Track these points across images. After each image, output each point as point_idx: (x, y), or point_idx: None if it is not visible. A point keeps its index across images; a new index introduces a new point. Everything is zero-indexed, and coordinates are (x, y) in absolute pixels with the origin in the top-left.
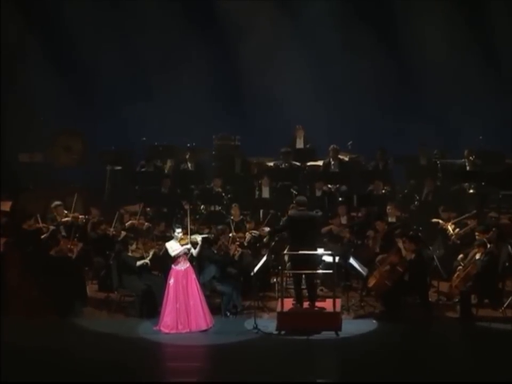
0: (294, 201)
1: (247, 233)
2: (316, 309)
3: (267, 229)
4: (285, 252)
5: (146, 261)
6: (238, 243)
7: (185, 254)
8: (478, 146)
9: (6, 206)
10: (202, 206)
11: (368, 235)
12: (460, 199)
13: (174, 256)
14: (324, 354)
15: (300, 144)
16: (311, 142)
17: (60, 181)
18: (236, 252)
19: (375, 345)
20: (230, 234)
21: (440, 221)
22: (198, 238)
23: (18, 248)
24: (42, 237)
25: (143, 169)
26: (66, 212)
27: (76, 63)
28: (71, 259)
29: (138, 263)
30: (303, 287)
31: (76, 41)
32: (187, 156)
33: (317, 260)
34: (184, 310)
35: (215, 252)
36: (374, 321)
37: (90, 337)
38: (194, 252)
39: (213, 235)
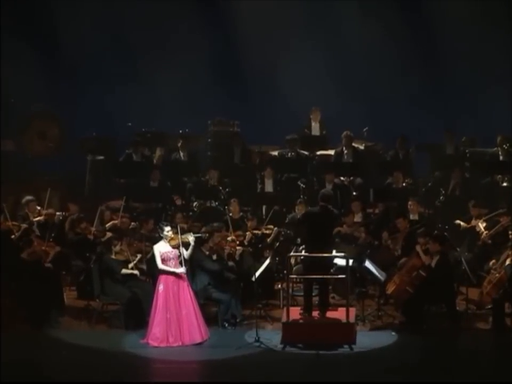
0: (305, 195)
1: (248, 232)
2: (327, 319)
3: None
4: (291, 253)
5: (135, 272)
6: (237, 242)
7: (177, 256)
8: None
9: None
10: (195, 203)
11: (385, 236)
12: (492, 193)
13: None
14: (336, 372)
15: (315, 129)
16: (327, 128)
17: (33, 173)
18: (235, 251)
19: (394, 361)
20: (229, 238)
21: (462, 223)
22: (190, 237)
23: None
24: (13, 237)
25: (128, 159)
26: (39, 208)
27: (52, 38)
28: (46, 262)
29: (124, 271)
30: (313, 294)
31: (52, 14)
32: (179, 144)
33: (331, 263)
34: (176, 320)
35: (207, 252)
36: (393, 333)
37: (68, 352)
38: (185, 253)
39: (207, 234)
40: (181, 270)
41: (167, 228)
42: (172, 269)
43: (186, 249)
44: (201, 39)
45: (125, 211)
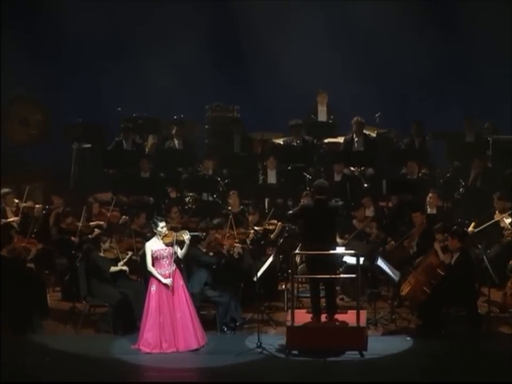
0: (312, 187)
1: (250, 229)
2: (335, 322)
3: None
4: (296, 251)
5: (124, 268)
6: (237, 240)
7: (171, 255)
8: None
9: None
10: (188, 198)
11: (389, 247)
12: None
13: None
14: (345, 380)
15: (322, 113)
16: (335, 113)
17: (13, 162)
18: (234, 248)
19: (409, 369)
20: (233, 240)
21: (471, 228)
22: (186, 236)
23: None
24: None
25: (118, 148)
26: (17, 201)
27: (34, 17)
28: (28, 260)
29: (113, 269)
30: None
31: None
32: (173, 131)
33: (338, 261)
34: (170, 324)
35: (204, 250)
36: (408, 338)
37: (52, 358)
38: (180, 252)
39: (204, 233)
40: (167, 281)
41: (162, 224)
42: (158, 276)
43: (181, 248)
44: (199, 18)
45: (114, 204)
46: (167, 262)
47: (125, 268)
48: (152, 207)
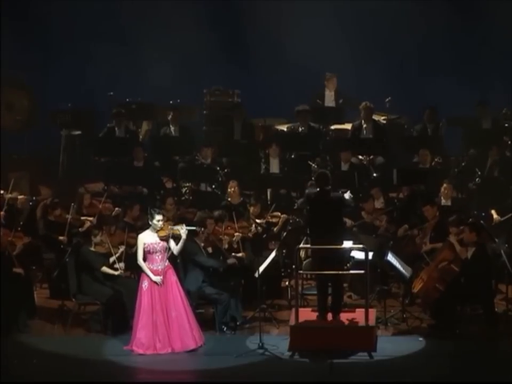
0: (313, 177)
1: (251, 222)
2: (343, 322)
3: None
4: (301, 245)
5: (117, 273)
6: (238, 233)
7: (165, 249)
8: None
9: None
10: (185, 189)
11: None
12: None
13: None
14: (353, 383)
15: (329, 99)
16: (344, 97)
17: None
18: (232, 239)
19: (421, 371)
20: (235, 235)
21: (495, 215)
22: (182, 230)
23: None
24: None
25: (110, 135)
26: (2, 192)
27: None
28: (13, 255)
29: (105, 270)
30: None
31: None
32: (169, 117)
33: (345, 256)
34: (163, 323)
35: (202, 244)
36: (421, 338)
37: (40, 360)
38: (175, 248)
39: (202, 228)
40: (157, 279)
41: (158, 217)
42: (148, 271)
43: (176, 243)
44: None
45: (106, 196)
46: (160, 257)
47: (118, 272)
48: (146, 198)
